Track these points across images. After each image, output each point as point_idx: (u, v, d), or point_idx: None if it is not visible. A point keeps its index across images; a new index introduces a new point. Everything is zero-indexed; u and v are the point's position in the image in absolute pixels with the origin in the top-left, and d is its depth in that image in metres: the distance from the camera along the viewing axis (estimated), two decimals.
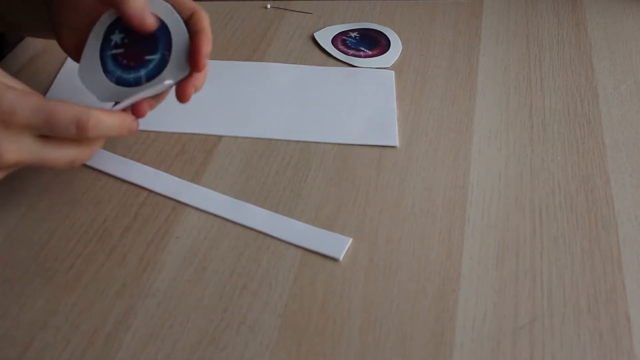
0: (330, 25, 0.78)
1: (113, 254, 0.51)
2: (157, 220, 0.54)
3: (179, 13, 0.53)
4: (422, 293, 0.48)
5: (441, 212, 0.55)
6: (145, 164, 0.58)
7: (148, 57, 0.53)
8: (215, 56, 0.72)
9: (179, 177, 0.57)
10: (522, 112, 0.65)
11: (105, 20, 0.54)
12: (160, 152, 0.60)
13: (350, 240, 0.52)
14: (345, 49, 0.73)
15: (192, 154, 0.60)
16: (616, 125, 0.64)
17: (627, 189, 0.57)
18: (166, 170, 0.58)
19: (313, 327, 0.46)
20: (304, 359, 0.44)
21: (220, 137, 0.62)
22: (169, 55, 0.52)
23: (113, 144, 0.60)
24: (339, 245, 0.52)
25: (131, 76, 0.53)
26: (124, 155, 0.59)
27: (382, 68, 0.71)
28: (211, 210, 0.54)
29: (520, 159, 0.60)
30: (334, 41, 0.75)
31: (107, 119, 0.48)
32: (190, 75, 0.52)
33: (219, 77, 0.69)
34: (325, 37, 0.75)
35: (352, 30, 0.77)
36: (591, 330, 0.46)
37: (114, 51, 0.53)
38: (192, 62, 0.52)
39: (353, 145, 0.61)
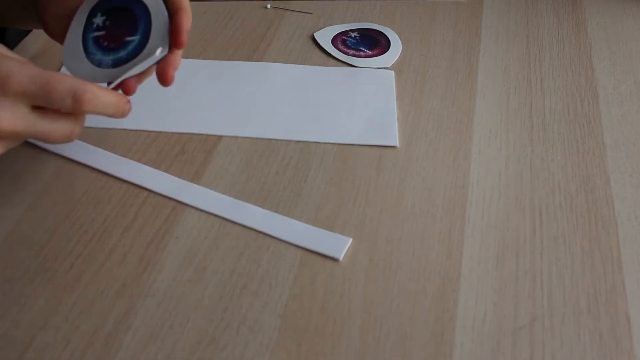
0: (330, 25, 0.78)
1: (113, 254, 0.51)
2: (157, 220, 0.54)
3: None
4: (422, 293, 0.48)
5: (441, 212, 0.55)
6: (145, 164, 0.58)
7: (128, 39, 0.53)
8: (215, 56, 0.72)
9: (179, 177, 0.57)
10: (522, 112, 0.65)
11: (88, 3, 0.55)
12: (160, 152, 0.60)
13: (350, 240, 0.52)
14: (345, 49, 0.73)
15: (192, 154, 0.60)
16: (616, 125, 0.64)
17: (627, 189, 0.57)
18: (166, 170, 0.58)
19: (313, 327, 0.46)
20: (304, 359, 0.44)
21: (220, 137, 0.62)
22: (149, 33, 0.53)
23: (113, 143, 0.60)
24: (339, 245, 0.52)
25: (111, 57, 0.53)
26: (124, 155, 0.59)
27: (382, 68, 0.71)
28: (211, 210, 0.54)
29: (520, 159, 0.60)
30: (334, 41, 0.75)
31: (104, 95, 0.48)
32: (170, 53, 0.53)
33: (219, 77, 0.69)
34: (325, 37, 0.75)
35: (352, 30, 0.77)
36: (591, 330, 0.46)
37: (96, 34, 0.54)
38: (173, 39, 0.52)
39: (353, 145, 0.61)
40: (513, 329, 0.46)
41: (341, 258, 0.51)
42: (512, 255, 0.51)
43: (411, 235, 0.53)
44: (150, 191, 0.56)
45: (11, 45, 0.72)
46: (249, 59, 0.72)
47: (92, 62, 0.53)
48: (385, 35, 0.76)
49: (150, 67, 0.53)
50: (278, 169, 0.58)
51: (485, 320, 0.47)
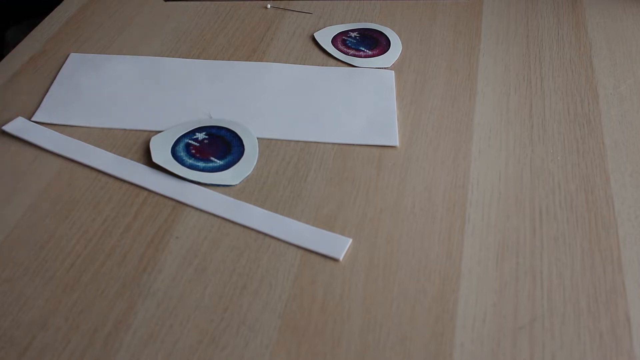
0: (330, 25, 0.78)
1: (113, 254, 0.51)
2: (157, 220, 0.54)
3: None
4: (422, 293, 0.48)
5: (441, 212, 0.55)
6: (145, 164, 0.58)
7: (213, 159, 0.58)
8: (215, 56, 0.72)
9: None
10: (522, 112, 0.65)
11: (196, 121, 0.62)
12: None
13: (350, 240, 0.52)
14: (345, 49, 0.73)
15: None
16: (616, 125, 0.64)
17: (627, 189, 0.57)
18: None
19: (313, 327, 0.46)
20: (304, 359, 0.44)
21: None
22: (231, 165, 0.58)
23: (113, 144, 0.60)
24: (339, 246, 0.52)
25: (190, 161, 0.58)
26: (124, 156, 0.59)
27: (382, 68, 0.71)
28: (211, 210, 0.54)
29: (520, 159, 0.60)
30: (334, 41, 0.75)
31: None
32: None
33: (219, 77, 0.69)
34: (325, 37, 0.75)
35: (352, 30, 0.77)
36: (591, 330, 0.46)
37: (190, 141, 0.60)
38: None
39: (353, 145, 0.61)
40: (513, 329, 0.46)
41: (341, 258, 0.51)
42: (512, 255, 0.51)
43: (411, 235, 0.53)
44: (150, 191, 0.56)
45: (11, 45, 0.72)
46: (249, 59, 0.72)
47: (173, 154, 0.58)
48: (385, 35, 0.76)
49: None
50: (278, 169, 0.58)
51: (485, 320, 0.47)
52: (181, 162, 0.58)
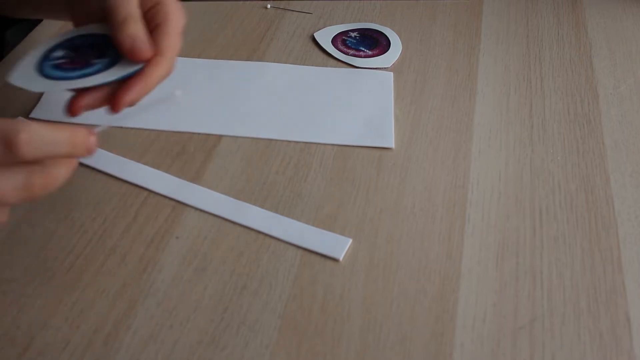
0: (330, 25, 0.78)
1: (113, 254, 0.51)
2: (157, 220, 0.54)
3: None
4: (422, 293, 0.48)
5: (441, 212, 0.55)
6: (145, 164, 0.58)
7: (95, 60, 0.47)
8: (215, 56, 0.72)
9: (179, 177, 0.57)
10: (522, 112, 0.65)
11: (45, 42, 0.50)
12: (160, 151, 0.60)
13: (350, 240, 0.52)
14: (345, 49, 0.73)
15: (192, 154, 0.60)
16: (616, 125, 0.64)
17: (627, 189, 0.57)
18: (166, 170, 0.58)
19: (313, 327, 0.46)
20: (304, 359, 0.44)
21: (221, 137, 0.62)
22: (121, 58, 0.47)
23: (112, 143, 0.60)
24: (339, 246, 0.52)
25: (74, 74, 0.47)
26: (124, 156, 0.59)
27: (381, 68, 0.71)
28: (211, 210, 0.54)
29: (520, 159, 0.60)
30: (334, 41, 0.75)
31: (47, 133, 0.39)
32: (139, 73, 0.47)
33: (219, 77, 0.69)
34: (325, 37, 0.75)
35: (352, 30, 0.77)
36: (591, 330, 0.46)
37: (56, 62, 0.48)
38: (111, 97, 0.46)
39: (352, 145, 0.61)
40: (513, 329, 0.46)
41: (341, 258, 0.51)
42: (512, 255, 0.51)
43: (411, 235, 0.53)
44: (150, 191, 0.56)
45: (11, 46, 0.72)
46: (248, 59, 0.72)
47: (50, 78, 0.46)
48: (385, 36, 0.76)
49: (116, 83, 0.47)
50: (278, 169, 0.58)
51: (485, 320, 0.47)
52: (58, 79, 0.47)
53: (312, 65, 0.71)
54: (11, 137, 0.38)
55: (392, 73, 0.70)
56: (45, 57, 0.48)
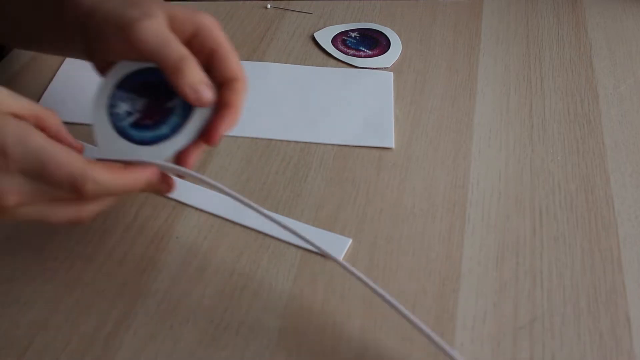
0: (330, 25, 0.78)
1: (113, 254, 0.51)
2: (157, 220, 0.54)
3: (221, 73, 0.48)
4: (422, 293, 0.48)
5: (441, 212, 0.55)
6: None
7: (168, 105, 0.47)
8: None
9: None
10: (522, 112, 0.65)
11: (106, 86, 0.48)
12: None
13: (350, 240, 0.52)
14: (345, 49, 0.73)
15: None
16: (616, 125, 0.64)
17: (627, 189, 0.57)
18: None
19: (313, 327, 0.46)
20: (304, 359, 0.44)
21: None
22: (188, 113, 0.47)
23: None
24: (339, 246, 0.52)
25: (150, 134, 0.47)
26: None
27: (381, 68, 0.71)
28: (211, 210, 0.54)
29: (520, 159, 0.60)
30: (334, 41, 0.75)
31: (112, 185, 0.42)
32: (223, 109, 0.47)
33: None
34: (325, 37, 0.75)
35: (352, 30, 0.77)
36: (591, 330, 0.46)
37: (130, 119, 0.47)
38: (206, 134, 0.47)
39: (352, 145, 0.61)
40: (513, 329, 0.46)
41: (341, 258, 0.51)
42: (512, 255, 0.51)
43: (411, 235, 0.53)
44: None
45: (9, 48, 0.72)
46: (248, 59, 0.72)
47: (140, 142, 0.47)
48: (385, 36, 0.76)
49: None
50: (278, 169, 0.58)
51: (485, 320, 0.47)
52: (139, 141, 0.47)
53: (312, 65, 0.71)
54: (78, 186, 0.41)
55: (392, 73, 0.70)
56: (112, 107, 0.48)
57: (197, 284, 0.49)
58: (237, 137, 0.62)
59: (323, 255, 0.51)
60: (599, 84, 0.69)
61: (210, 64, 0.48)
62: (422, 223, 0.54)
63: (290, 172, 0.58)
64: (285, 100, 0.66)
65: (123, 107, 0.48)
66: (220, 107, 0.47)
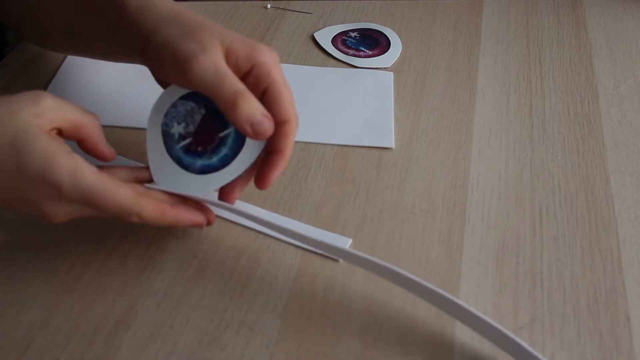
0: (330, 25, 0.78)
1: (113, 254, 0.51)
2: None
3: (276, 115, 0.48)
4: None
5: (441, 212, 0.55)
6: (145, 164, 0.58)
7: (222, 134, 0.49)
8: None
9: None
10: (522, 112, 0.65)
11: (158, 114, 0.50)
12: None
13: (350, 240, 0.52)
14: (345, 49, 0.73)
15: None
16: (616, 125, 0.64)
17: (627, 189, 0.57)
18: None
19: (313, 327, 0.46)
20: (304, 359, 0.44)
21: None
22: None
23: (113, 143, 0.60)
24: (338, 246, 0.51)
25: (200, 163, 0.49)
26: (124, 155, 0.59)
27: (382, 68, 0.71)
28: (211, 210, 0.54)
29: (520, 159, 0.60)
30: (334, 41, 0.75)
31: (155, 219, 0.46)
32: (273, 152, 0.49)
33: None
34: (325, 37, 0.75)
35: (352, 30, 0.77)
36: (591, 330, 0.46)
37: (182, 143, 0.49)
38: (258, 178, 0.49)
39: (352, 145, 0.61)
40: (513, 329, 0.46)
41: (341, 258, 0.51)
42: (512, 255, 0.51)
43: (411, 235, 0.53)
44: None
45: (11, 45, 0.72)
46: None
47: (195, 171, 0.49)
48: (385, 36, 0.76)
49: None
50: None
51: None
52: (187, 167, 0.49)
53: (312, 65, 0.71)
54: (126, 217, 0.45)
55: (392, 73, 0.70)
56: (166, 125, 0.50)
57: (197, 284, 0.49)
58: None
59: (323, 255, 0.51)
60: (599, 84, 0.69)
61: (264, 102, 0.47)
62: (422, 223, 0.54)
63: (290, 172, 0.58)
64: None
65: (177, 129, 0.50)
66: (272, 151, 0.48)
